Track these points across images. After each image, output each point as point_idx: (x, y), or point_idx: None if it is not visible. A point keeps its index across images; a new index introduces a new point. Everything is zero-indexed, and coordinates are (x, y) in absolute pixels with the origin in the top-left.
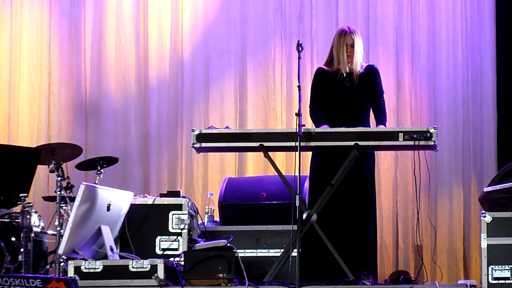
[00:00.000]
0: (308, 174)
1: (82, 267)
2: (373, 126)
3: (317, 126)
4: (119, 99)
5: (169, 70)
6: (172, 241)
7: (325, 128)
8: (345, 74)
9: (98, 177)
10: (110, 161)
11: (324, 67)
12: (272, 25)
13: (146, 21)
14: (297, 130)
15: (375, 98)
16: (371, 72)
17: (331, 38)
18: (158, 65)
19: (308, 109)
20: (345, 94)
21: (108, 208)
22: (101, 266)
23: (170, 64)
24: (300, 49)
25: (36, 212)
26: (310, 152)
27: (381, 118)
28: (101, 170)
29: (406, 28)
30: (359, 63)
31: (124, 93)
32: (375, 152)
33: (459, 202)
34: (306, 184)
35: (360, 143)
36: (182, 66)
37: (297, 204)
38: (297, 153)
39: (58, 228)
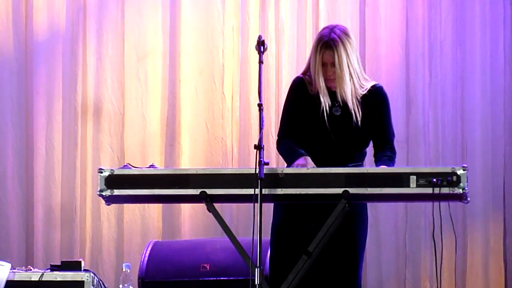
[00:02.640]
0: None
1: None
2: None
3: (289, 161)
4: None
5: (64, 80)
6: None
7: (299, 169)
8: (338, 98)
9: None
10: None
11: (305, 77)
12: (219, 12)
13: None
14: (257, 171)
15: (379, 142)
16: (377, 98)
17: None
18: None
19: (276, 137)
20: (333, 128)
21: None
22: None
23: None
24: (262, 48)
25: None
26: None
27: (383, 160)
28: None
29: (421, 17)
30: (349, 84)
31: None
32: (368, 204)
33: (498, 279)
34: None
35: (352, 190)
36: (85, 71)
37: (256, 282)
38: (258, 205)
39: None
